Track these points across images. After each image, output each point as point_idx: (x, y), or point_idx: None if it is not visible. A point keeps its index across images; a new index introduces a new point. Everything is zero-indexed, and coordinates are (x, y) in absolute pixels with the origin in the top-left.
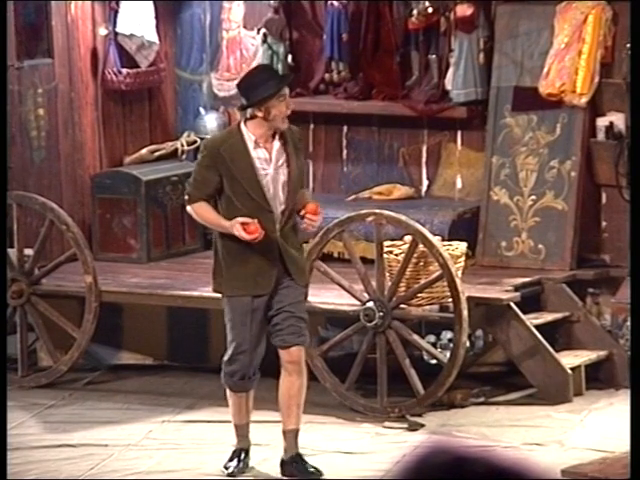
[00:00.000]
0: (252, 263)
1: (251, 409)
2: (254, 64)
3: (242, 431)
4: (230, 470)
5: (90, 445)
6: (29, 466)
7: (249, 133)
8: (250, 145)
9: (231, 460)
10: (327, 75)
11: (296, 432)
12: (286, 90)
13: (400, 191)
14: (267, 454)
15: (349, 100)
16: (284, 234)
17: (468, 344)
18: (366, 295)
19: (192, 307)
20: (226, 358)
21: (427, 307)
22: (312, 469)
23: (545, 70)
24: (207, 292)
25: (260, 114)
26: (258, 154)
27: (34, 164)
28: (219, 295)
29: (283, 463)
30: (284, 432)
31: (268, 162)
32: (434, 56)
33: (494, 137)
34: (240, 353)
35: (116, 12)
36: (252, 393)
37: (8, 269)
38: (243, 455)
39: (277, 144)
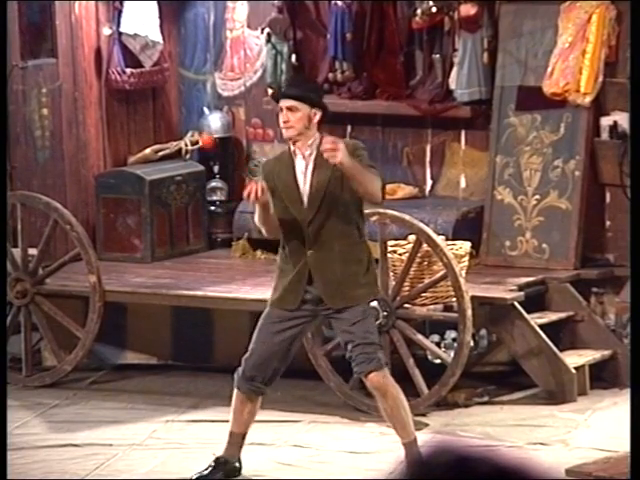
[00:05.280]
0: (286, 278)
1: (249, 422)
2: (258, 64)
3: (233, 440)
4: (196, 476)
5: (94, 445)
6: (33, 466)
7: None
8: (294, 156)
9: (206, 468)
10: (331, 75)
11: (409, 443)
12: (283, 103)
13: (404, 190)
14: (269, 454)
15: (353, 100)
16: (318, 252)
17: (472, 344)
18: None
19: (196, 307)
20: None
21: (431, 307)
22: None
23: (549, 69)
24: (211, 292)
25: None
26: (299, 165)
27: (38, 164)
28: (222, 295)
29: None
30: (402, 444)
31: (304, 174)
32: (438, 56)
33: (498, 136)
34: (250, 354)
35: (120, 12)
36: (256, 407)
37: (12, 269)
38: (224, 465)
39: (312, 156)
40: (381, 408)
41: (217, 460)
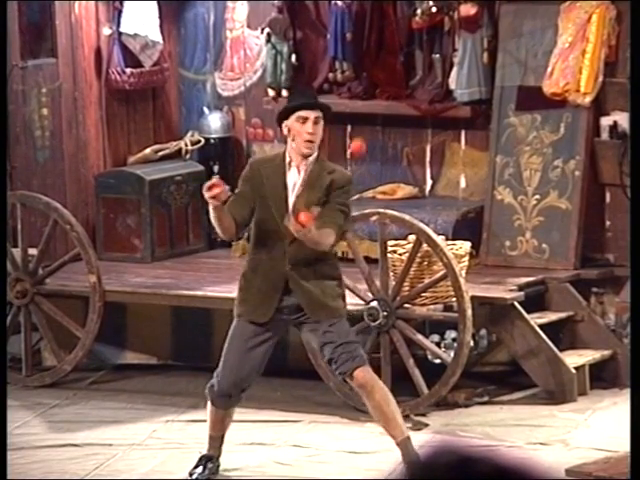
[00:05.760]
0: (255, 289)
1: (228, 424)
2: (258, 64)
3: (215, 442)
4: (194, 477)
5: (94, 445)
6: (33, 466)
7: (287, 154)
8: (286, 166)
9: (196, 467)
10: (331, 75)
11: (404, 441)
12: (312, 114)
13: (404, 190)
14: (269, 454)
15: (353, 100)
16: (297, 268)
17: (472, 343)
18: (370, 295)
19: (196, 307)
20: (215, 371)
21: (431, 306)
22: None
23: (549, 69)
24: (211, 292)
25: (284, 132)
26: (291, 176)
27: (38, 164)
28: (222, 294)
29: None
30: (396, 445)
31: (293, 187)
32: (438, 55)
33: (498, 136)
34: (226, 372)
35: (120, 12)
36: (233, 411)
37: (12, 269)
38: (210, 463)
39: (304, 172)
40: (370, 407)
41: (204, 459)
